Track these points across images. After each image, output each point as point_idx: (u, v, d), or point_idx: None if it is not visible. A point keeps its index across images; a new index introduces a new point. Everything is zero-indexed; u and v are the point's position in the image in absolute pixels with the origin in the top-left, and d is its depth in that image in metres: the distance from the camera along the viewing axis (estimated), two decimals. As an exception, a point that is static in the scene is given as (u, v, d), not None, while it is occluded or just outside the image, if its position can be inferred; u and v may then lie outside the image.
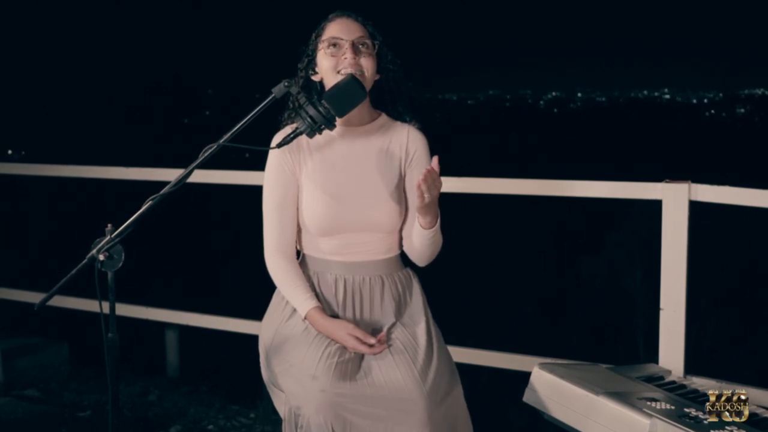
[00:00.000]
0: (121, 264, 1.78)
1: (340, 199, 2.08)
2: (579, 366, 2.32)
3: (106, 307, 1.78)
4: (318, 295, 2.10)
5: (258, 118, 1.90)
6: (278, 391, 2.08)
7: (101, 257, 1.75)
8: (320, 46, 2.11)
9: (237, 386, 4.17)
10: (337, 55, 2.07)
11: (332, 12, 2.15)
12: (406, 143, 2.16)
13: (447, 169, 2.25)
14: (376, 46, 2.11)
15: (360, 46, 2.08)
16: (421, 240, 2.07)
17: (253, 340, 2.47)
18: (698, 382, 2.45)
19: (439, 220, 2.05)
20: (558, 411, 2.11)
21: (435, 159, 1.93)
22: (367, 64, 2.08)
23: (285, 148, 2.04)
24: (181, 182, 1.83)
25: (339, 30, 2.09)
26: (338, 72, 2.06)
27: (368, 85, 2.08)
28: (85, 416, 3.58)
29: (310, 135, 1.95)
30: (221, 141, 1.86)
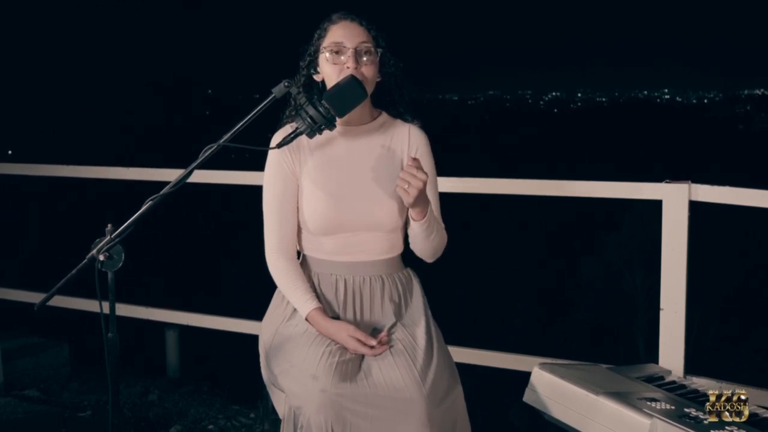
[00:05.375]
0: (121, 264, 1.78)
1: (341, 198, 2.08)
2: (579, 366, 2.32)
3: (106, 308, 1.78)
4: (319, 296, 2.10)
5: (258, 118, 1.89)
6: (278, 391, 2.07)
7: (101, 257, 1.75)
8: (322, 49, 2.08)
9: (237, 386, 4.17)
10: (339, 62, 2.04)
11: (335, 12, 2.11)
12: (407, 142, 2.15)
13: (447, 170, 2.26)
14: (379, 53, 2.09)
15: (363, 52, 2.06)
16: (415, 232, 2.07)
17: (253, 340, 2.47)
18: (698, 382, 2.44)
19: (428, 214, 2.03)
20: (558, 411, 2.11)
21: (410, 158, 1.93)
22: (369, 71, 2.05)
23: (285, 147, 2.03)
24: (181, 182, 1.83)
25: (342, 35, 2.06)
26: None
27: (369, 88, 2.06)
28: (85, 416, 3.58)
29: (310, 135, 1.94)
30: (221, 141, 1.85)
